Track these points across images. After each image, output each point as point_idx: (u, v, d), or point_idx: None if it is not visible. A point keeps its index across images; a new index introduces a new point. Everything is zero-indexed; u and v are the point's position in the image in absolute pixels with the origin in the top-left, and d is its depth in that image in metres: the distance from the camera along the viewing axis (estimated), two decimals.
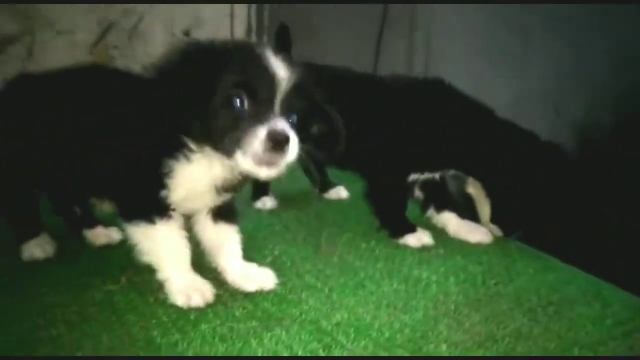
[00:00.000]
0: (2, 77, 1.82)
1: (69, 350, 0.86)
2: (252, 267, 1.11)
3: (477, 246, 1.36)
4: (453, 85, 1.43)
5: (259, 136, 0.83)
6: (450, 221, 1.43)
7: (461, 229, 1.41)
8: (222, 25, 2.12)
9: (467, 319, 0.99)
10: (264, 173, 0.87)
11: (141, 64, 1.92)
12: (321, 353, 0.87)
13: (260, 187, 1.68)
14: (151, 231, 0.98)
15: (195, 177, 0.96)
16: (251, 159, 0.85)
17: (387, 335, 0.93)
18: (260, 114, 0.85)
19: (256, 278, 1.08)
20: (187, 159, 0.94)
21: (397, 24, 2.55)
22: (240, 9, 2.16)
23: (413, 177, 1.42)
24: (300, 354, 0.87)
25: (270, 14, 2.24)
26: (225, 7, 2.13)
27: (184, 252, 1.01)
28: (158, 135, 0.95)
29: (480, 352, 0.89)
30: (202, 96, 0.86)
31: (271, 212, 1.63)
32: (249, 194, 1.62)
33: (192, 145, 0.92)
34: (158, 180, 0.95)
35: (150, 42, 2.05)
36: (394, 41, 2.58)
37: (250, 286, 1.06)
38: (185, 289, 0.99)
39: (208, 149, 0.91)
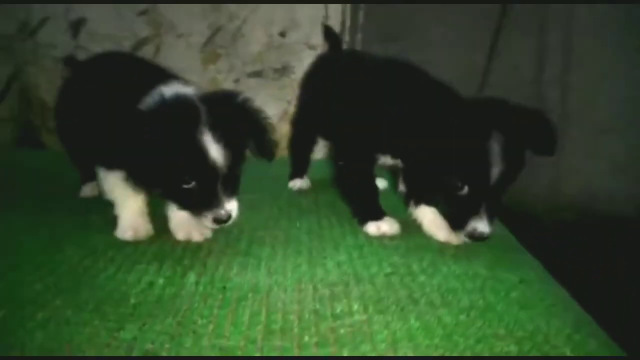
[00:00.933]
0: None
1: None
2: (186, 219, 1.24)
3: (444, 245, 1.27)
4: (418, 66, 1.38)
5: (208, 220, 1.11)
6: (425, 216, 1.33)
7: (432, 224, 1.31)
8: (316, 25, 2.28)
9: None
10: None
11: (242, 61, 2.21)
12: None
13: (296, 170, 1.81)
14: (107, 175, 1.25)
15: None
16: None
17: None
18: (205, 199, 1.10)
19: (186, 229, 1.25)
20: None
21: (521, 22, 2.38)
22: (334, 10, 2.29)
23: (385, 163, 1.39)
24: None
25: (365, 14, 2.30)
26: (319, 9, 2.28)
27: (135, 198, 1.25)
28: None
29: None
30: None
31: (299, 192, 1.75)
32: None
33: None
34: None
35: (250, 43, 2.31)
36: (517, 41, 2.40)
37: (180, 236, 1.25)
38: (131, 226, 1.24)
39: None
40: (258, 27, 2.30)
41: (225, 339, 0.81)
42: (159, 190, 1.16)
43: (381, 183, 1.70)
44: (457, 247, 1.24)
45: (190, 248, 1.20)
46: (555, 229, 2.45)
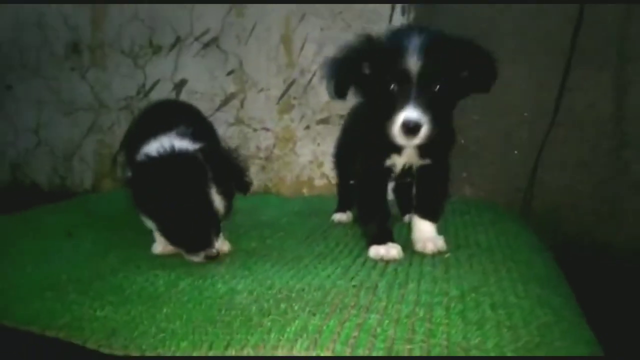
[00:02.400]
0: (225, 120, 2.65)
1: None
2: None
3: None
4: None
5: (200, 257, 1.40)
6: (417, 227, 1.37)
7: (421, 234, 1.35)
8: None
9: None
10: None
11: (312, 110, 2.45)
12: None
13: (339, 205, 1.94)
14: None
15: None
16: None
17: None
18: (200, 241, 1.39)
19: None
20: None
21: (595, 57, 2.30)
22: None
23: None
24: None
25: None
26: None
27: None
28: None
29: None
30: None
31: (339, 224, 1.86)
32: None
33: None
34: None
35: (319, 93, 2.55)
36: (591, 77, 2.31)
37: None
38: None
39: None
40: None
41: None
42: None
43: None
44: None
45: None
46: None
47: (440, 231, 1.51)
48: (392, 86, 1.23)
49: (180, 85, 2.75)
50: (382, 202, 1.48)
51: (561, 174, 2.33)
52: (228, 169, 1.39)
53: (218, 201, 1.34)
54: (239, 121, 2.69)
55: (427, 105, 1.20)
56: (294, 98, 2.59)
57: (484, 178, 2.41)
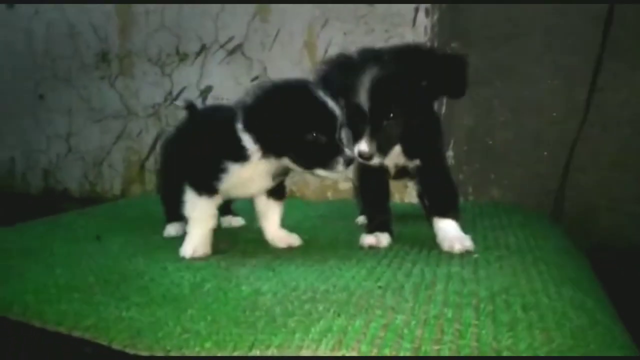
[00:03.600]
0: None
1: None
2: (284, 231, 1.61)
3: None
4: None
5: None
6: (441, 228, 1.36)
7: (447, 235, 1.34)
8: None
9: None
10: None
11: None
12: None
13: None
14: (196, 198, 1.51)
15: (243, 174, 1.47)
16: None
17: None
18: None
19: (285, 239, 1.58)
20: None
21: (627, 54, 2.23)
22: None
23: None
24: None
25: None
26: None
27: (209, 224, 1.53)
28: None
29: None
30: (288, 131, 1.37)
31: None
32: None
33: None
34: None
35: None
36: (623, 75, 2.24)
37: (280, 244, 1.57)
38: (198, 244, 1.50)
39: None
40: None
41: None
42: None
43: None
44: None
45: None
46: None
47: (469, 233, 1.49)
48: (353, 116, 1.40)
49: (206, 91, 2.79)
50: (379, 197, 1.59)
51: (594, 174, 2.27)
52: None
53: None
54: None
55: (379, 136, 1.37)
56: None
57: (512, 180, 2.36)
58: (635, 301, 2.17)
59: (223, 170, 1.44)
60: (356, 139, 1.39)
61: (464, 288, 1.10)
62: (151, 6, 2.84)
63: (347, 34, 2.51)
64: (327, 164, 1.36)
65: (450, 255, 1.38)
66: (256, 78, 2.68)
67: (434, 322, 0.93)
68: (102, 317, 1.05)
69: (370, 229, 1.53)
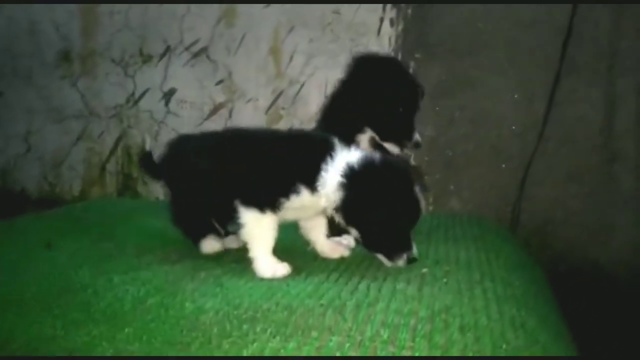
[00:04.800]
0: (214, 129, 2.63)
1: None
2: (333, 241, 1.58)
3: None
4: None
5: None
6: None
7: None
8: None
9: None
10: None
11: (301, 120, 2.44)
12: None
13: None
14: (258, 217, 1.41)
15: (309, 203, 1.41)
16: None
17: None
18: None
19: (338, 250, 1.55)
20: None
21: (585, 69, 2.27)
22: None
23: None
24: None
25: (415, 72, 2.38)
26: None
27: (272, 242, 1.43)
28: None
29: None
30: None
31: None
32: None
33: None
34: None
35: (308, 103, 2.54)
36: (581, 90, 2.29)
37: (333, 255, 1.54)
38: (271, 265, 1.39)
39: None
40: (315, 89, 2.52)
41: None
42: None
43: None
44: None
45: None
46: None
47: (422, 245, 1.52)
48: None
49: (169, 94, 2.75)
50: None
51: (550, 187, 2.32)
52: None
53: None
54: None
55: None
56: (283, 108, 2.59)
57: (472, 191, 2.39)
58: (589, 315, 2.23)
59: (294, 191, 1.39)
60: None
61: (405, 306, 1.11)
62: (115, 6, 2.79)
63: (312, 41, 2.51)
64: (392, 255, 1.39)
65: (399, 270, 1.39)
66: (221, 82, 2.66)
67: (369, 344, 0.93)
68: (34, 336, 1.02)
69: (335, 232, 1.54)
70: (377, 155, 1.39)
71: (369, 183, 1.34)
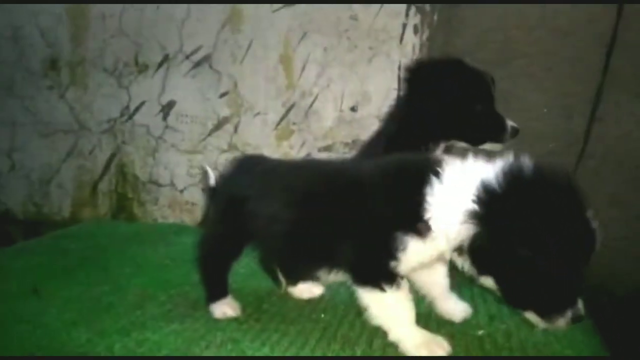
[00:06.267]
0: (217, 146, 2.42)
1: None
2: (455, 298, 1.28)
3: None
4: None
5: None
6: None
7: None
8: (388, 99, 2.20)
9: None
10: None
11: (314, 136, 2.22)
12: None
13: None
14: (381, 297, 1.09)
15: (426, 253, 1.06)
16: None
17: None
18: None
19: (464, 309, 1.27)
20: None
21: (630, 84, 2.07)
22: None
23: None
24: None
25: None
26: (392, 81, 2.21)
27: (412, 313, 1.12)
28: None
29: None
30: None
31: None
32: None
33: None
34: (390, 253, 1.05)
35: (322, 118, 2.31)
36: (625, 106, 2.09)
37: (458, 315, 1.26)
38: (424, 343, 1.09)
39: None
40: (330, 102, 2.30)
41: None
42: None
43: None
44: None
45: None
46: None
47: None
48: None
49: (168, 107, 2.50)
50: None
51: (591, 209, 2.11)
52: None
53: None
54: (232, 147, 2.44)
55: None
56: (294, 123, 2.36)
57: None
58: (630, 344, 2.05)
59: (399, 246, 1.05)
60: None
61: None
62: (108, 9, 2.53)
63: (327, 50, 2.28)
64: (550, 313, 0.99)
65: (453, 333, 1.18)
66: (225, 94, 2.42)
67: None
68: None
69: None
70: (525, 162, 0.98)
71: (522, 208, 0.92)
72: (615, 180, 2.08)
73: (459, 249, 1.00)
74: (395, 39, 2.20)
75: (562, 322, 0.98)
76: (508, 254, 0.93)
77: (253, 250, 1.35)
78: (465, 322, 1.27)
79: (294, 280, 1.45)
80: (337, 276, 1.17)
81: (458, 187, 0.98)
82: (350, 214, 1.09)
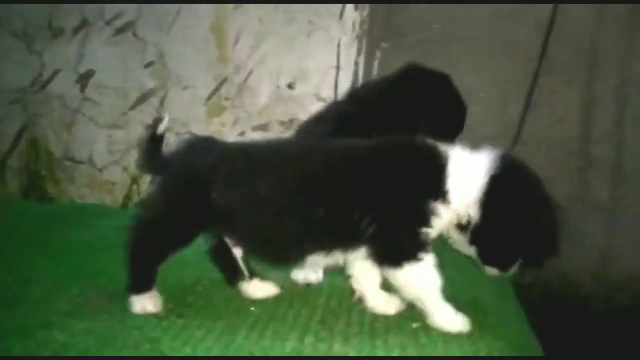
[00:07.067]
0: (142, 121, 2.25)
1: None
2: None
3: None
4: None
5: None
6: None
7: None
8: (327, 77, 2.12)
9: None
10: None
11: (248, 114, 2.10)
12: None
13: None
14: (419, 269, 1.10)
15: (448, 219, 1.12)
16: None
17: None
18: None
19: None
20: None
21: (565, 72, 2.09)
22: (347, 60, 2.12)
23: None
24: None
25: (381, 62, 2.11)
26: (330, 59, 2.13)
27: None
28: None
29: None
30: None
31: None
32: None
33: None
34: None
35: (257, 94, 2.20)
36: (560, 93, 2.11)
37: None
38: (455, 315, 1.12)
39: None
40: (265, 78, 2.19)
41: None
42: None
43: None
44: None
45: None
46: (609, 318, 2.08)
47: None
48: None
49: (86, 77, 2.30)
50: None
51: None
52: None
53: None
54: None
55: None
56: (227, 99, 2.23)
57: None
58: (557, 325, 2.13)
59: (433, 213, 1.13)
60: None
61: None
62: None
63: (262, 21, 2.15)
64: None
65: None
66: (150, 64, 2.25)
67: None
68: None
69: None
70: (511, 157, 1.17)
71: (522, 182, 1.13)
72: (547, 165, 2.12)
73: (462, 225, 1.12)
74: (335, 15, 2.11)
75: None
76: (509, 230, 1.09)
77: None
78: (400, 315, 1.23)
79: (282, 267, 1.32)
80: (331, 259, 1.17)
81: (470, 161, 1.12)
82: (373, 190, 1.11)
